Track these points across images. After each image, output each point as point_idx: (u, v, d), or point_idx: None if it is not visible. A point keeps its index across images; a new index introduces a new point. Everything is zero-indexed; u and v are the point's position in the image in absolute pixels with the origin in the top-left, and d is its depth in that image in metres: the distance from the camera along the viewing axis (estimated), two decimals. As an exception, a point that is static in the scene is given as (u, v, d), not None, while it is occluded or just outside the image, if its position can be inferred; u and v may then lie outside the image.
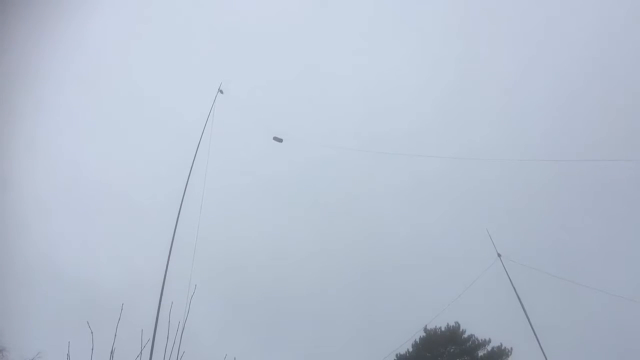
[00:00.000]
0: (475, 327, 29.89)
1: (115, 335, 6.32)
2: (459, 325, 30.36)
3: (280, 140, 20.10)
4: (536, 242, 32.97)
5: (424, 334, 30.62)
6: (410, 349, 30.36)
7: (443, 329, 30.35)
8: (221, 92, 18.84)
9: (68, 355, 6.16)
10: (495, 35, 42.97)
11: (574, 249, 32.08)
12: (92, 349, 6.14)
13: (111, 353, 6.22)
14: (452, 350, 29.79)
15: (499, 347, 29.08)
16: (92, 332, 6.23)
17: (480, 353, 29.39)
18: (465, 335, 30.06)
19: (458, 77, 43.81)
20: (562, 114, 38.30)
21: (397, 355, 30.46)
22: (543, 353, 19.85)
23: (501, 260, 23.40)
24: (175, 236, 13.13)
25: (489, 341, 29.54)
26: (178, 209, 13.88)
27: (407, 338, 29.95)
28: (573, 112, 38.13)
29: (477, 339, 29.77)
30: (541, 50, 41.23)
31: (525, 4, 42.16)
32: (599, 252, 31.75)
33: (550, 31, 40.81)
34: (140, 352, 6.41)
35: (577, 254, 31.53)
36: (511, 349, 28.74)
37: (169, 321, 6.49)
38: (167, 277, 11.83)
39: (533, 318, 20.83)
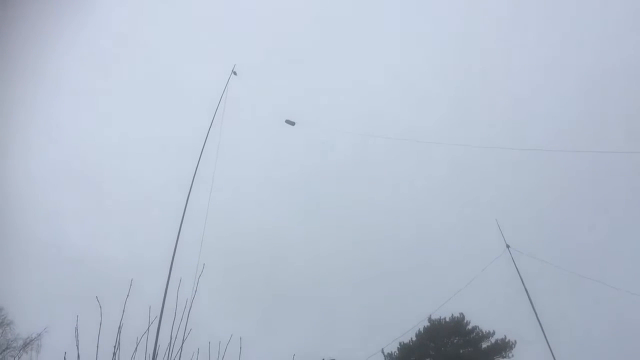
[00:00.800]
0: (480, 318, 29.88)
1: (124, 310, 6.32)
2: (463, 317, 30.34)
3: (292, 124, 20.03)
4: (545, 235, 32.79)
5: (428, 324, 30.63)
6: (414, 338, 30.42)
7: (447, 319, 30.34)
8: (235, 73, 18.75)
9: (76, 328, 6.16)
10: (515, 26, 42.43)
11: (582, 242, 31.83)
12: (100, 324, 6.15)
13: (119, 328, 6.22)
14: (455, 341, 29.80)
15: (503, 340, 29.06)
16: (100, 307, 6.23)
17: (484, 345, 29.39)
18: (470, 327, 30.04)
19: (474, 65, 43.28)
20: (576, 105, 37.81)
21: (400, 343, 30.52)
22: (548, 345, 19.79)
23: (509, 252, 23.28)
24: (185, 215, 13.17)
25: (493, 333, 29.52)
26: (189, 188, 13.90)
27: (411, 327, 29.99)
28: (587, 103, 37.64)
29: (481, 331, 29.75)
30: (563, 37, 40.65)
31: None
32: (607, 246, 31.49)
33: (570, 24, 40.19)
34: (148, 328, 6.41)
35: (585, 247, 31.29)
36: (515, 341, 28.71)
37: (177, 298, 6.48)
38: (175, 255, 11.88)
39: (539, 310, 20.75)
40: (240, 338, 7.05)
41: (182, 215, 13.03)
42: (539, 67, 41.28)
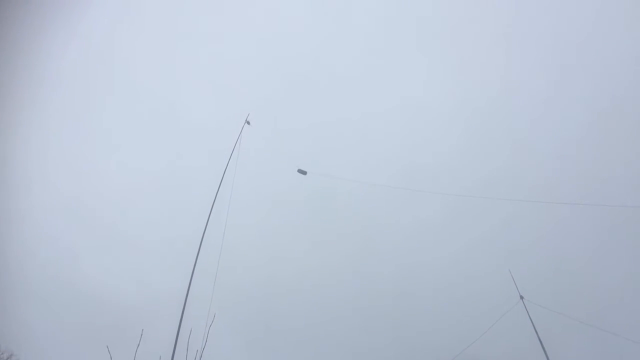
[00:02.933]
0: (494, 370, 29.10)
1: (134, 360, 6.41)
2: (478, 367, 29.63)
3: (304, 173, 20.38)
4: (561, 286, 32.18)
5: (442, 375, 29.91)
6: (427, 390, 29.65)
7: (461, 371, 29.64)
8: (248, 123, 19.26)
9: (87, 378, 6.26)
10: (521, 65, 42.97)
11: (601, 294, 31.18)
12: (111, 373, 6.23)
13: (129, 378, 6.30)
14: (469, 393, 29.00)
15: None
16: (111, 357, 6.33)
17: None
18: (484, 379, 29.28)
19: (485, 111, 43.69)
20: (591, 157, 37.79)
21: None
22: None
23: (523, 303, 22.96)
24: (196, 263, 13.31)
25: (508, 386, 28.72)
26: (201, 235, 14.09)
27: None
28: (602, 155, 37.60)
29: (496, 383, 28.96)
30: (569, 84, 41.03)
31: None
32: (627, 298, 30.81)
33: (579, 58, 40.63)
34: (158, 379, 6.48)
35: (604, 299, 30.62)
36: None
37: (187, 349, 6.56)
38: (187, 304, 11.95)
39: (555, 364, 20.29)
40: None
41: (194, 263, 13.18)
42: (558, 117, 41.53)
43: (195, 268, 13.12)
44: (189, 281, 12.65)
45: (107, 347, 6.54)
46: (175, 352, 9.77)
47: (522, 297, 23.08)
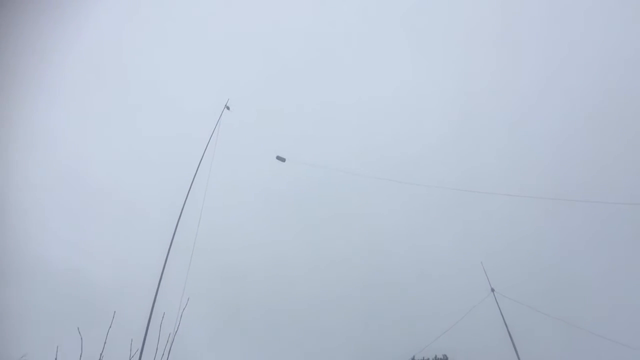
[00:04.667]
0: (464, 360, 29.60)
1: (105, 342, 6.34)
2: (446, 358, 30.08)
3: (283, 160, 20.33)
4: (531, 280, 32.77)
5: (412, 365, 30.31)
6: (397, 379, 30.01)
7: (431, 360, 30.06)
8: (228, 108, 19.09)
9: (56, 359, 6.16)
10: (510, 62, 43.34)
11: (573, 289, 31.87)
12: (81, 356, 6.15)
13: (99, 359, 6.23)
14: (438, 382, 29.46)
15: (487, 383, 28.78)
16: (81, 338, 6.24)
17: (467, 388, 29.05)
18: (454, 369, 29.75)
19: (468, 106, 44.00)
20: (567, 153, 38.41)
21: (383, 384, 30.10)
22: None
23: (494, 295, 23.35)
24: (172, 246, 13.19)
25: (477, 376, 29.24)
26: (177, 220, 13.96)
27: (394, 367, 29.65)
28: (590, 151, 38.23)
29: (464, 373, 29.46)
30: (554, 84, 41.54)
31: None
32: (596, 294, 31.54)
33: (567, 57, 41.09)
34: (129, 361, 6.42)
35: (576, 294, 31.31)
36: (498, 386, 28.45)
37: (160, 332, 6.50)
38: (160, 286, 11.86)
39: (523, 356, 20.70)
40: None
41: (168, 246, 13.05)
42: (536, 114, 42.01)
43: (170, 251, 13.02)
44: (163, 264, 12.55)
45: (78, 328, 6.43)
46: (147, 335, 9.69)
47: (493, 290, 23.48)
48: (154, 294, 11.55)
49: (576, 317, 25.59)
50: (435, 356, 30.01)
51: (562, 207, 30.97)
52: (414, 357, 30.22)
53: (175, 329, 6.67)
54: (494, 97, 44.31)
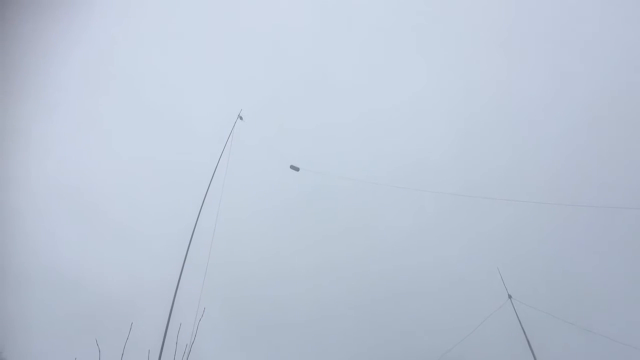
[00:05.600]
0: (481, 370, 29.23)
1: (123, 354, 6.37)
2: (464, 367, 29.75)
3: (297, 169, 20.37)
4: (551, 286, 32.38)
5: (428, 374, 29.98)
6: (413, 388, 29.72)
7: (448, 369, 29.73)
8: (241, 118, 19.21)
9: (75, 371, 6.21)
10: (521, 64, 43.12)
11: (591, 295, 31.41)
12: (99, 367, 6.20)
13: (117, 372, 6.26)
14: (455, 392, 29.10)
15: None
16: (99, 350, 6.29)
17: (485, 397, 28.66)
18: (471, 378, 29.40)
19: (480, 112, 43.79)
20: (581, 158, 38.01)
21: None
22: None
23: (512, 302, 23.08)
24: (187, 256, 13.26)
25: (495, 385, 28.85)
26: (192, 230, 14.04)
27: (409, 377, 29.40)
28: (591, 156, 37.82)
29: (482, 382, 29.09)
30: (570, 83, 41.20)
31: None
32: (618, 300, 31.05)
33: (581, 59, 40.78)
34: (146, 373, 6.45)
35: (594, 300, 30.85)
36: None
37: (177, 343, 6.53)
38: (176, 298, 11.91)
39: (542, 364, 20.41)
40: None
41: (184, 257, 13.12)
42: (544, 117, 41.68)
43: (186, 262, 13.08)
44: (179, 275, 12.61)
45: (96, 340, 6.48)
46: (164, 346, 9.73)
47: (510, 297, 23.20)
48: (170, 305, 11.61)
49: (598, 324, 25.18)
50: (452, 365, 29.70)
51: (582, 213, 30.61)
52: (430, 366, 29.92)
53: (192, 340, 6.70)
54: (504, 103, 44.12)
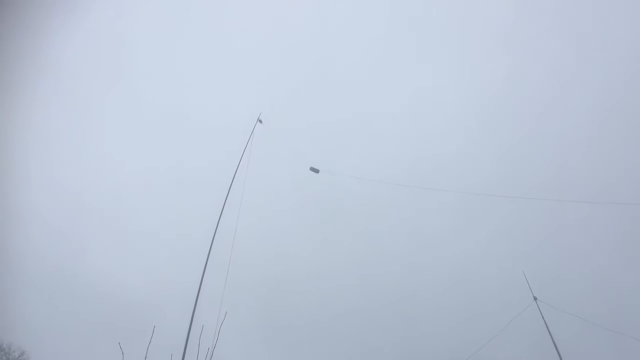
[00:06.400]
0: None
1: (146, 357, 6.38)
2: (489, 370, 29.31)
3: (317, 171, 20.36)
4: (575, 287, 31.76)
5: (453, 377, 29.64)
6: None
7: (472, 372, 29.33)
8: (260, 121, 19.27)
9: (99, 373, 6.24)
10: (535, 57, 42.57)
11: (616, 296, 30.73)
12: (123, 370, 6.22)
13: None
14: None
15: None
16: (123, 353, 6.31)
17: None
18: (496, 381, 28.97)
19: (497, 113, 43.29)
20: (608, 157, 37.25)
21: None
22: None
23: (537, 304, 22.67)
24: (209, 259, 13.29)
25: (520, 388, 28.41)
26: (213, 233, 14.08)
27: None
28: (617, 154, 37.03)
29: (507, 385, 28.66)
30: (578, 82, 40.51)
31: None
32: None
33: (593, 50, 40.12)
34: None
35: (619, 301, 30.18)
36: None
37: (199, 345, 6.52)
38: (198, 301, 11.95)
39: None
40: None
41: (205, 260, 13.15)
42: (573, 115, 40.96)
43: (207, 264, 13.12)
44: (200, 279, 12.64)
45: (119, 343, 6.50)
46: (187, 349, 9.76)
47: (535, 299, 22.80)
48: (192, 309, 11.65)
49: (626, 326, 24.58)
50: (477, 367, 29.29)
51: (610, 212, 29.96)
52: (454, 369, 29.57)
53: (214, 343, 6.67)
54: (515, 100, 43.53)
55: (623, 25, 38.32)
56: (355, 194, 41.67)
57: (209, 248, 13.71)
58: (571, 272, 33.41)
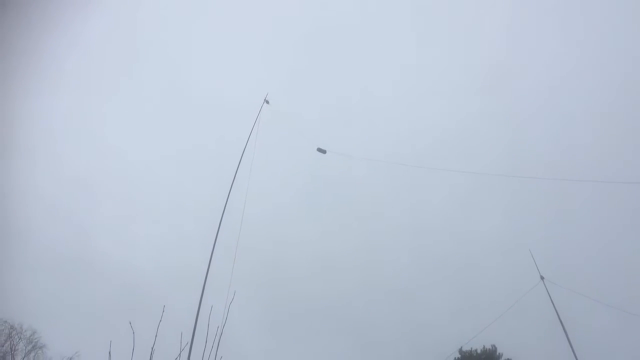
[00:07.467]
0: (513, 351, 28.92)
1: (156, 336, 6.45)
2: (495, 349, 29.44)
3: (324, 152, 20.29)
4: (583, 268, 31.75)
5: (459, 356, 29.83)
6: (445, 370, 29.65)
7: (479, 351, 29.47)
8: (267, 102, 19.15)
9: (110, 353, 6.30)
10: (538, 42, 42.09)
11: (624, 275, 30.70)
12: (133, 350, 6.27)
13: (151, 353, 6.34)
14: (486, 374, 28.88)
15: (537, 375, 28.12)
16: (133, 332, 6.36)
17: (516, 379, 28.40)
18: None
19: (505, 93, 42.92)
20: (614, 135, 36.93)
21: (431, 375, 29.83)
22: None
23: (544, 283, 22.68)
24: (217, 240, 13.36)
25: (527, 366, 28.58)
26: (221, 215, 14.12)
27: (442, 359, 29.28)
28: (623, 132, 36.71)
29: (514, 364, 28.80)
30: (589, 62, 40.03)
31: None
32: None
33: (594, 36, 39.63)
34: (179, 354, 6.51)
35: (627, 280, 30.16)
36: (549, 377, 27.70)
37: (208, 326, 6.57)
38: (207, 280, 12.05)
39: (577, 346, 20.04)
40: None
41: (214, 241, 13.22)
42: (577, 98, 40.60)
43: (216, 245, 13.19)
44: (208, 259, 12.73)
45: (130, 322, 6.55)
46: (196, 328, 9.87)
47: (542, 278, 22.79)
48: (202, 289, 11.75)
49: (634, 304, 24.55)
50: (484, 347, 29.47)
51: (617, 190, 29.77)
52: (461, 347, 29.77)
53: (224, 322, 6.72)
54: (538, 78, 43.04)
55: (624, 18, 37.89)
56: (365, 175, 41.64)
57: (216, 231, 13.77)
58: (579, 251, 33.38)
